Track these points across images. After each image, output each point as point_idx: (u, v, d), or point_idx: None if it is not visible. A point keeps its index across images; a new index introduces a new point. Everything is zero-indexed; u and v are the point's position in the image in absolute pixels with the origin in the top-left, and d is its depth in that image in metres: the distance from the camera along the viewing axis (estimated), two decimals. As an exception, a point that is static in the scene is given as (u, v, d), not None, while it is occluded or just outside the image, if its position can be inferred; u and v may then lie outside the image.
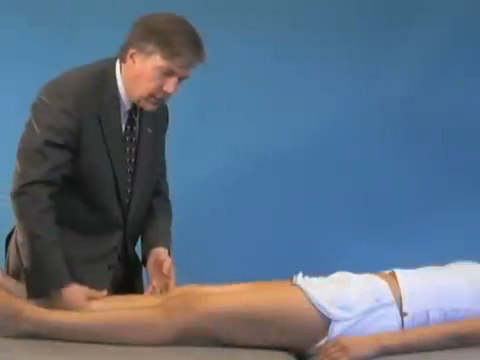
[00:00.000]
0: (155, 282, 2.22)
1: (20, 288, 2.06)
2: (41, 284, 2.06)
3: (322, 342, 1.94)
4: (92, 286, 2.13)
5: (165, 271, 2.20)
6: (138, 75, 2.13)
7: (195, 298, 1.95)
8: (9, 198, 2.12)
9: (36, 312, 1.96)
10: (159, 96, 2.14)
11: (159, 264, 2.23)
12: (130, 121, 2.23)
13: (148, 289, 2.23)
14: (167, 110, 2.38)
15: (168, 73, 2.10)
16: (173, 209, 2.56)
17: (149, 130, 2.27)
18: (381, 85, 3.14)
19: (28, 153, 2.10)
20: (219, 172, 3.08)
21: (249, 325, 1.94)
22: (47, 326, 1.95)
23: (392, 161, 3.15)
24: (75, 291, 2.07)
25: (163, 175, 2.46)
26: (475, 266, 2.10)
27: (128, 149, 2.23)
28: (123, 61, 2.17)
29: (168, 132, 2.36)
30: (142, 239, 2.34)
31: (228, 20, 3.06)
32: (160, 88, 2.12)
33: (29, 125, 2.14)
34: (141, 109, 2.21)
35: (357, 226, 3.08)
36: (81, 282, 2.11)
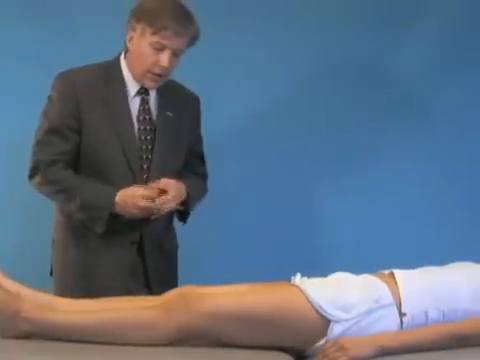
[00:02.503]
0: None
1: (19, 288, 2.05)
2: (102, 212, 2.26)
3: (321, 342, 1.94)
4: (114, 259, 2.32)
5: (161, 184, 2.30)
6: (136, 55, 2.30)
7: (195, 298, 1.95)
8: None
9: (35, 312, 1.95)
10: (156, 71, 2.30)
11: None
12: (143, 101, 2.36)
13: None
14: (198, 101, 2.51)
15: (160, 48, 2.26)
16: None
17: (169, 113, 2.39)
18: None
19: (36, 142, 2.30)
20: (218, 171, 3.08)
21: (248, 325, 1.94)
22: (46, 326, 1.95)
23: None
24: (124, 194, 2.26)
25: (202, 165, 2.58)
26: (474, 266, 2.10)
27: (142, 127, 2.35)
28: (126, 49, 2.34)
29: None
30: None
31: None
32: (155, 63, 2.28)
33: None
34: (146, 88, 2.34)
35: (357, 225, 3.08)
36: (103, 255, 2.31)
